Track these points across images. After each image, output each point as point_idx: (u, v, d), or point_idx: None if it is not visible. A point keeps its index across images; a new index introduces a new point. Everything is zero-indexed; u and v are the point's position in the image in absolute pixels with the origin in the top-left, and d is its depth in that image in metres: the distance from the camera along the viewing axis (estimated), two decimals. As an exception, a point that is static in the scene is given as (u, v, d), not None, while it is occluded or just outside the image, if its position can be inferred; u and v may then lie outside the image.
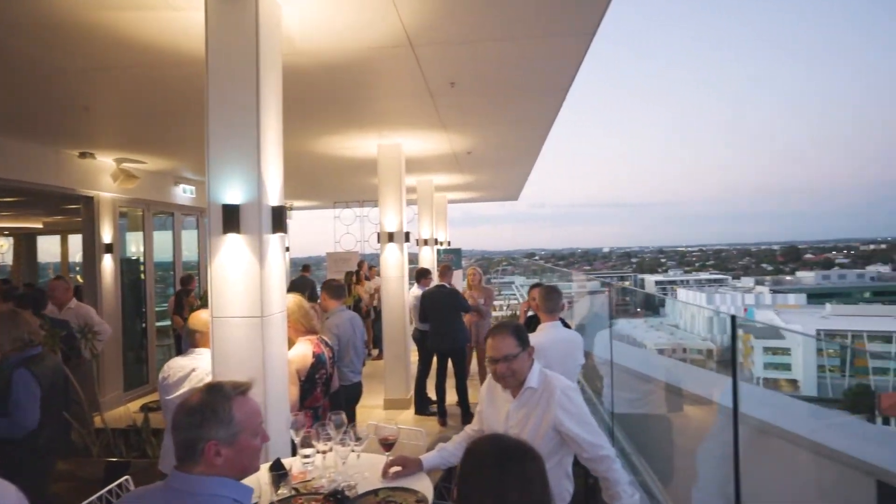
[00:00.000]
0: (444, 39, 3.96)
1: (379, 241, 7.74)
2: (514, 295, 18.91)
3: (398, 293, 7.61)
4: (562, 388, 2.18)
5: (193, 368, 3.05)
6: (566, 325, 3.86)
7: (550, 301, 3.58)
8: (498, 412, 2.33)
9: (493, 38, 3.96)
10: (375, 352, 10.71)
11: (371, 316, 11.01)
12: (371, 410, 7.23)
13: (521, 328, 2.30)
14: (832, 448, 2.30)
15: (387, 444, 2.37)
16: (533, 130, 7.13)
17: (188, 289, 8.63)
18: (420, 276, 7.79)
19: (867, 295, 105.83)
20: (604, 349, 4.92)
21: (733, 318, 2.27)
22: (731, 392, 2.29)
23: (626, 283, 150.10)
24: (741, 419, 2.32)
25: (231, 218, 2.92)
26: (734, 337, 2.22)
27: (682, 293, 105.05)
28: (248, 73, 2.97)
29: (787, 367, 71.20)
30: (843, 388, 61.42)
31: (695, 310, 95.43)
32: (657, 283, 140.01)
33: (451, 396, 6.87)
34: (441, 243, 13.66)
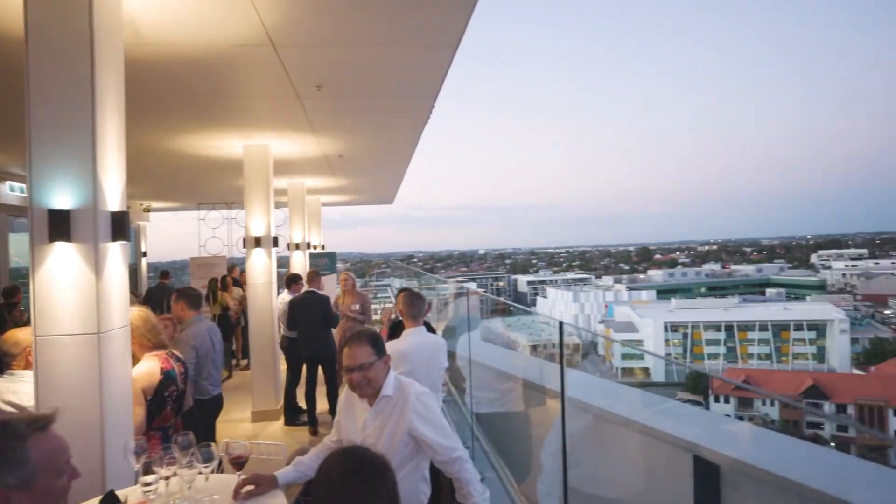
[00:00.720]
0: (307, 42, 3.88)
1: (245, 246, 7.37)
2: (390, 298, 18.95)
3: (266, 300, 7.30)
4: (416, 394, 2.24)
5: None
6: (431, 330, 3.94)
7: (413, 307, 3.64)
8: (355, 421, 2.33)
9: (358, 43, 3.95)
10: (244, 362, 10.16)
11: (241, 323, 10.44)
12: (238, 424, 6.86)
13: (377, 336, 2.31)
14: (657, 429, 2.55)
15: (238, 464, 2.25)
16: (403, 135, 7.21)
17: (12, 302, 7.53)
18: (290, 281, 7.53)
19: (703, 290, 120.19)
20: (472, 350, 5.09)
21: (561, 323, 2.49)
22: (576, 387, 2.48)
23: (501, 284, 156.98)
24: (583, 408, 2.51)
25: (59, 225, 2.60)
26: (561, 340, 2.43)
27: (550, 292, 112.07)
28: (80, 59, 2.62)
29: (640, 357, 78.97)
30: (685, 373, 69.45)
31: (562, 307, 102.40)
32: (529, 283, 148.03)
33: (323, 404, 6.73)
34: (315, 247, 13.33)
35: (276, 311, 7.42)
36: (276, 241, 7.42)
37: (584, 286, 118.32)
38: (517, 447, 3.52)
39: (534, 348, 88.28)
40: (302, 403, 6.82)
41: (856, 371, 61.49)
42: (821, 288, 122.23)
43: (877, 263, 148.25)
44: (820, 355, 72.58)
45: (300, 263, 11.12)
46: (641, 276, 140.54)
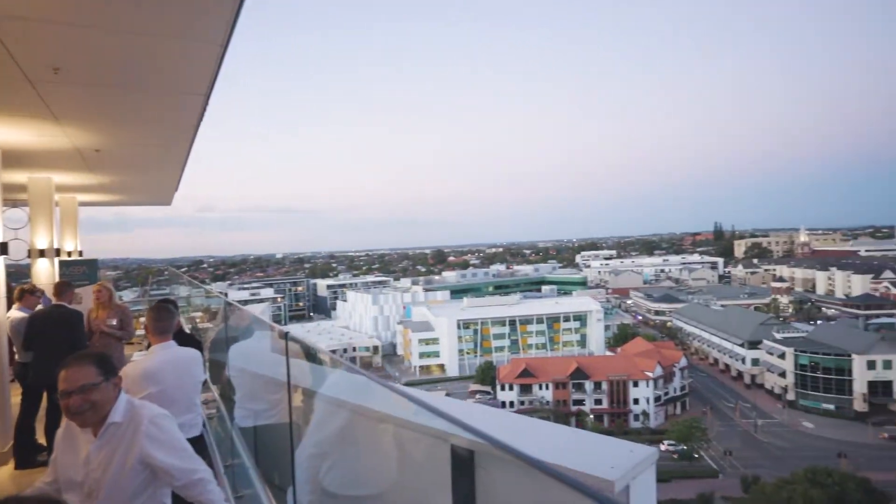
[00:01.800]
0: (38, 17, 3.32)
1: (-40, 255, 5.99)
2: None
3: (-8, 319, 6.03)
4: (150, 416, 2.05)
5: None
6: (194, 342, 3.67)
7: (161, 321, 3.33)
8: (77, 457, 2.04)
9: (102, 26, 3.50)
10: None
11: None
12: (-52, 477, 5.53)
13: (105, 356, 2.07)
14: (417, 422, 2.72)
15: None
16: (174, 132, 6.58)
17: None
18: (21, 295, 6.31)
19: (491, 289, 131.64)
20: (249, 360, 4.82)
21: (287, 334, 2.58)
22: (335, 385, 2.52)
23: (300, 288, 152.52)
24: (341, 405, 2.56)
25: None
26: (287, 349, 2.51)
27: (350, 295, 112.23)
28: None
29: (436, 354, 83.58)
30: (475, 366, 75.37)
31: (362, 309, 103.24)
32: (329, 287, 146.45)
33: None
34: (70, 253, 11.44)
35: (6, 331, 6.17)
36: (4, 248, 6.17)
37: (383, 289, 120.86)
38: (282, 459, 3.46)
39: (332, 353, 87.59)
40: (43, 440, 5.76)
41: (608, 353, 73.25)
42: (583, 284, 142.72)
43: (622, 262, 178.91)
44: (583, 342, 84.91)
45: (46, 273, 9.41)
46: (437, 277, 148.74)
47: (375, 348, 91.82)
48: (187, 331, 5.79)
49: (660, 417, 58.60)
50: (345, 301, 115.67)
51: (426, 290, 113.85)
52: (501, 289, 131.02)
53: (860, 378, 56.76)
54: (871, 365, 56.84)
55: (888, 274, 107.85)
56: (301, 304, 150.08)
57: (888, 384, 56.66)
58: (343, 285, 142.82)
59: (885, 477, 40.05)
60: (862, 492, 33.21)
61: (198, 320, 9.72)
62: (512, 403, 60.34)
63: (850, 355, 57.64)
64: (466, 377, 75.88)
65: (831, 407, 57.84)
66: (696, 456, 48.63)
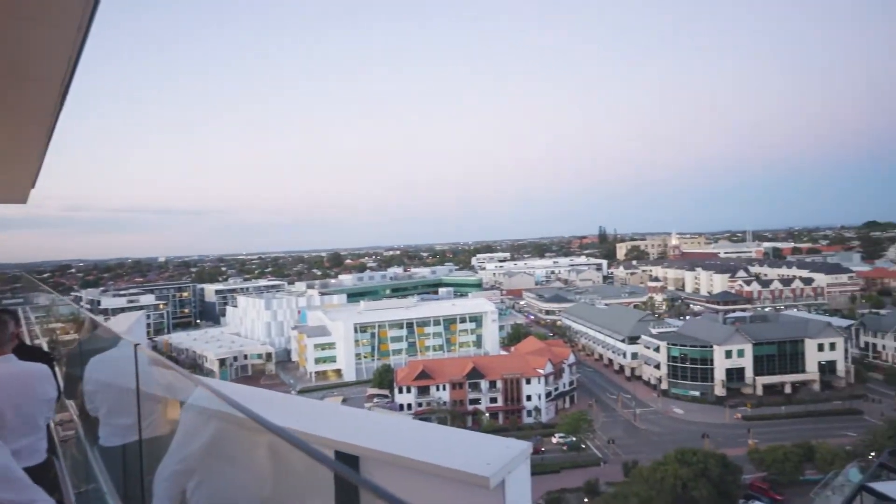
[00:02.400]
0: None
1: None
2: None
3: None
4: None
5: None
6: (42, 355, 3.28)
7: None
8: None
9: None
10: None
11: None
12: None
13: None
14: (301, 430, 2.62)
15: None
16: (26, 123, 5.86)
17: None
18: None
19: (388, 292, 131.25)
20: (119, 374, 4.41)
21: (136, 345, 2.42)
22: (206, 395, 2.36)
23: (185, 294, 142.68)
24: (211, 416, 2.42)
25: None
26: (137, 363, 2.35)
27: (241, 300, 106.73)
28: None
29: (333, 359, 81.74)
30: (373, 370, 74.66)
31: (254, 315, 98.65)
32: (217, 292, 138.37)
33: None
34: None
35: None
36: None
37: (277, 293, 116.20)
38: (147, 479, 3.20)
39: (222, 362, 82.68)
40: None
41: (502, 352, 75.72)
42: (478, 286, 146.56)
43: (515, 264, 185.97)
44: (478, 342, 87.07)
45: None
46: (333, 280, 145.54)
47: (269, 355, 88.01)
48: (39, 344, 5.18)
49: (550, 412, 61.56)
50: (235, 307, 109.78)
51: (322, 293, 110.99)
52: (399, 291, 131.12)
53: (720, 366, 63.60)
54: (728, 354, 63.85)
55: (742, 273, 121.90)
56: (187, 310, 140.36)
57: (741, 370, 64.00)
58: (233, 290, 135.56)
59: (738, 452, 45.24)
60: (720, 466, 37.36)
61: (58, 332, 8.87)
62: (410, 406, 60.50)
63: (711, 346, 64.38)
64: (364, 381, 74.96)
65: (697, 393, 64.14)
66: (584, 446, 51.66)
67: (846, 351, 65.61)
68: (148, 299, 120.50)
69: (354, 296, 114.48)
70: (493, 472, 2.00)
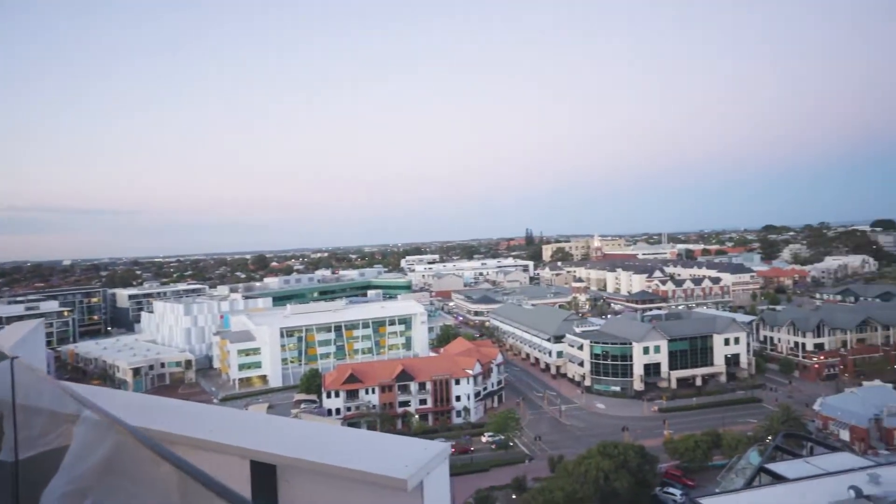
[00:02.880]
0: None
1: None
2: None
3: None
4: None
5: None
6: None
7: None
8: None
9: None
10: None
11: None
12: None
13: None
14: (215, 441, 2.54)
15: None
16: None
17: None
18: None
19: (316, 295, 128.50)
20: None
21: (13, 359, 2.37)
22: (107, 406, 2.25)
23: (94, 300, 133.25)
24: (113, 427, 2.30)
25: None
26: (13, 380, 2.29)
27: (158, 306, 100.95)
28: None
29: (258, 365, 78.98)
30: (300, 375, 72.77)
31: (172, 321, 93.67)
32: (131, 296, 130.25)
33: None
34: None
35: None
36: None
37: (197, 297, 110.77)
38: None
39: (136, 371, 77.89)
40: None
41: (432, 353, 76.03)
42: (408, 287, 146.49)
43: (444, 266, 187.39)
44: (408, 344, 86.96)
45: None
46: (258, 283, 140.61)
47: (188, 363, 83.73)
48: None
49: (479, 412, 62.44)
50: (151, 312, 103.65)
51: (246, 297, 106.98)
52: (327, 294, 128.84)
53: (638, 362, 67.05)
54: (646, 350, 67.41)
55: (658, 273, 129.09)
56: (96, 317, 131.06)
57: (658, 365, 67.79)
58: (149, 295, 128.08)
59: (655, 443, 48.13)
60: (639, 457, 39.47)
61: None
62: (338, 410, 59.48)
63: (631, 343, 67.72)
64: (291, 387, 72.92)
65: (618, 388, 67.24)
66: (512, 444, 52.84)
67: (748, 345, 71.06)
68: (50, 306, 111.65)
69: (280, 299, 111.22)
70: (410, 473, 2.04)
